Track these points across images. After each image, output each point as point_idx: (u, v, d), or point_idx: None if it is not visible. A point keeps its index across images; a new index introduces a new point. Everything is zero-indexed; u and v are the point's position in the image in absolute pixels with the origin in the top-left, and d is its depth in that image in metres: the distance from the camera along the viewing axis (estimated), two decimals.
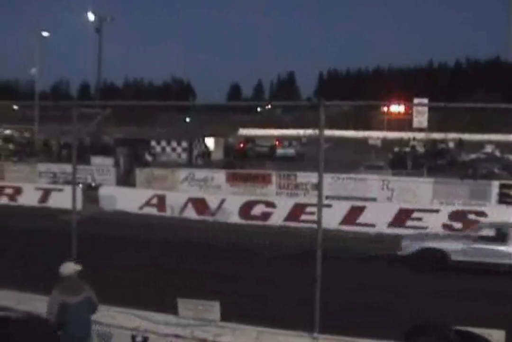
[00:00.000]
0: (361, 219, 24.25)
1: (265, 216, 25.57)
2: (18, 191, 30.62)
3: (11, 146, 61.37)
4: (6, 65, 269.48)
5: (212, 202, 26.71)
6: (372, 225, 23.82)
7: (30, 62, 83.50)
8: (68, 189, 25.26)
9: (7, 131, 79.93)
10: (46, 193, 29.81)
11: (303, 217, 24.22)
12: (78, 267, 8.62)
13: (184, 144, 60.27)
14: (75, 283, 8.49)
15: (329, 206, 21.21)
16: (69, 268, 8.57)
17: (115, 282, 13.80)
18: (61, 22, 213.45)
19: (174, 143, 60.36)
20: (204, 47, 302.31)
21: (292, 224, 24.36)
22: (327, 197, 25.35)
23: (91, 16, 60.38)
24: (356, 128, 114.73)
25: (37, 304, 9.43)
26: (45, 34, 74.90)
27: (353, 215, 24.39)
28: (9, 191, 30.77)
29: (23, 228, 21.34)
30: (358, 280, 14.82)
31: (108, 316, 9.12)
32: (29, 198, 29.88)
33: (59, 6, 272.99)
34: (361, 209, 24.64)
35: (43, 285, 10.48)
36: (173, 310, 8.78)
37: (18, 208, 28.71)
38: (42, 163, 40.13)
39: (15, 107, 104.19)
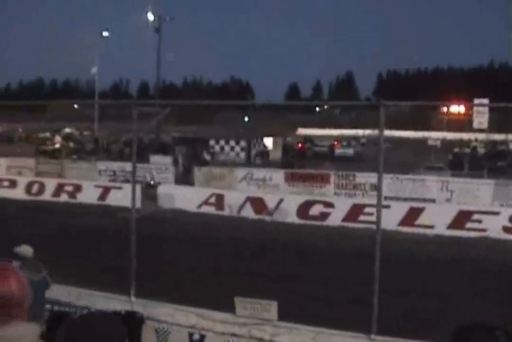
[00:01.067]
0: (420, 220, 24.03)
1: (323, 216, 25.47)
2: (78, 188, 30.98)
3: (71, 144, 62.18)
4: (67, 64, 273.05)
5: (270, 201, 26.70)
6: (431, 227, 23.58)
7: (91, 62, 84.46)
8: (127, 187, 25.50)
9: (67, 130, 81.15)
10: (106, 191, 30.12)
11: (362, 218, 24.06)
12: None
13: (243, 143, 60.28)
14: (36, 263, 9.30)
15: (387, 206, 20.98)
16: (28, 249, 9.43)
17: (173, 280, 13.91)
18: (121, 22, 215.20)
19: (232, 143, 60.39)
20: (263, 46, 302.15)
21: (350, 225, 24.25)
22: (385, 198, 25.10)
23: (150, 16, 60.81)
24: (415, 128, 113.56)
25: (95, 300, 9.52)
26: (105, 34, 75.85)
27: (411, 216, 24.18)
28: (69, 188, 31.15)
29: (83, 225, 21.63)
30: (416, 283, 14.69)
31: (166, 313, 9.16)
32: (88, 195, 30.19)
33: (119, 6, 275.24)
34: (420, 210, 24.42)
35: (102, 281, 10.60)
36: (231, 309, 8.80)
37: (78, 205, 29.06)
38: (101, 162, 40.55)
39: (75, 106, 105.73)
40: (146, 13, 61.43)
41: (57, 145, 57.92)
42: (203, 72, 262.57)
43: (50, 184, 31.82)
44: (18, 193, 31.27)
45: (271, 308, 8.61)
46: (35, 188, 31.72)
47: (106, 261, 14.92)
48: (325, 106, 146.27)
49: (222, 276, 14.62)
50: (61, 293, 9.78)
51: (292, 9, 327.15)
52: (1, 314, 2.96)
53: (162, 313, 9.17)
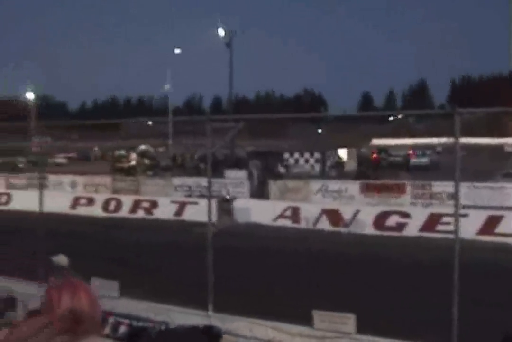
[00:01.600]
0: (499, 228, 23.56)
1: (400, 226, 25.20)
2: (154, 204, 31.37)
3: (146, 161, 63.01)
4: (141, 82, 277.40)
5: (346, 213, 26.53)
6: (511, 235, 23.13)
7: (163, 79, 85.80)
8: (203, 202, 25.67)
9: (142, 147, 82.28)
10: (181, 206, 30.35)
11: (439, 227, 23.72)
12: None
13: (317, 155, 60.07)
14: (70, 272, 9.48)
15: (465, 215, 20.60)
16: (64, 259, 9.89)
17: (250, 293, 13.91)
18: (192, 39, 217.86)
19: (307, 155, 60.21)
20: (333, 57, 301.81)
21: (427, 235, 23.94)
22: (463, 206, 24.58)
23: (221, 31, 61.21)
24: (491, 135, 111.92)
25: (173, 315, 9.56)
26: (177, 51, 76.78)
27: (490, 224, 23.73)
28: (145, 204, 31.57)
29: (159, 241, 21.86)
30: (497, 293, 14.40)
31: (244, 327, 9.16)
32: (164, 211, 30.51)
33: (189, 23, 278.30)
34: (498, 218, 23.95)
35: (180, 296, 10.66)
36: (308, 322, 8.74)
37: (154, 221, 29.36)
38: (177, 177, 40.92)
39: (149, 123, 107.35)
40: (217, 28, 61.87)
41: (133, 163, 58.85)
42: (275, 85, 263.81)
43: (127, 201, 32.34)
44: (96, 210, 31.85)
45: (349, 321, 8.54)
46: (112, 205, 32.29)
47: (183, 275, 15.02)
48: (399, 115, 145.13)
49: (299, 289, 14.57)
50: (139, 308, 9.87)
51: (363, 18, 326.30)
52: (73, 329, 3.00)
53: (240, 327, 9.17)
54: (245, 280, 15.33)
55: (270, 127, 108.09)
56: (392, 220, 25.46)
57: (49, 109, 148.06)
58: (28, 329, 3.09)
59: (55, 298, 3.07)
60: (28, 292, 10.02)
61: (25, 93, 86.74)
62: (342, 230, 25.74)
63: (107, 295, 9.63)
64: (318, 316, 8.74)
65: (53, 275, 9.83)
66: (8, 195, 36.11)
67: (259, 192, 36.30)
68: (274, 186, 35.60)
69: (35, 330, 3.05)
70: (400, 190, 32.26)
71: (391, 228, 25.21)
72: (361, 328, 8.47)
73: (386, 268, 17.57)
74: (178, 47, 77.72)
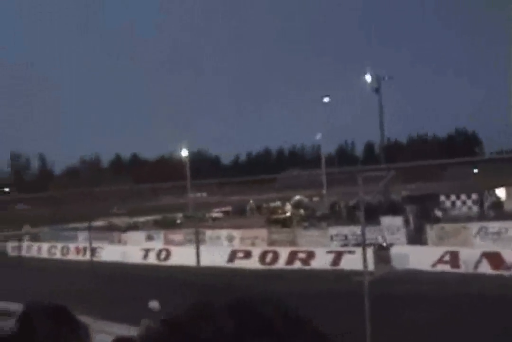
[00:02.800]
0: None
1: None
2: (310, 255, 31.68)
3: (301, 211, 63.23)
4: (292, 132, 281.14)
5: (508, 255, 25.84)
6: None
7: (314, 128, 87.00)
8: (359, 250, 25.54)
9: (297, 197, 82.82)
10: (338, 256, 30.50)
11: None
12: None
13: (474, 196, 58.80)
14: (160, 316, 10.16)
15: None
16: (157, 305, 10.70)
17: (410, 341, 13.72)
18: (340, 87, 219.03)
19: (463, 197, 59.01)
20: (485, 93, 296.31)
21: None
22: None
23: (368, 77, 61.45)
24: None
25: None
26: (325, 99, 77.50)
27: None
28: (302, 255, 31.95)
29: (317, 291, 21.89)
30: None
31: None
32: (321, 261, 30.79)
33: (335, 72, 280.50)
34: None
35: None
36: None
37: (311, 271, 29.49)
38: (333, 227, 40.95)
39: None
40: (364, 75, 62.20)
41: (288, 214, 59.19)
42: (427, 126, 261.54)
43: (283, 252, 32.88)
44: (253, 263, 32.37)
45: None
46: (269, 257, 32.86)
47: (341, 325, 14.95)
48: None
49: (461, 335, 14.26)
50: None
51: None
52: None
53: None
54: (404, 328, 15.14)
55: (424, 170, 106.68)
56: None
57: (203, 164, 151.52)
58: None
59: None
60: None
61: (179, 151, 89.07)
62: (505, 273, 25.04)
63: None
64: None
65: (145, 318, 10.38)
66: (167, 251, 37.19)
67: (416, 238, 35.80)
68: (431, 231, 35.02)
69: None
70: None
71: None
72: None
73: None
74: (326, 96, 78.43)
